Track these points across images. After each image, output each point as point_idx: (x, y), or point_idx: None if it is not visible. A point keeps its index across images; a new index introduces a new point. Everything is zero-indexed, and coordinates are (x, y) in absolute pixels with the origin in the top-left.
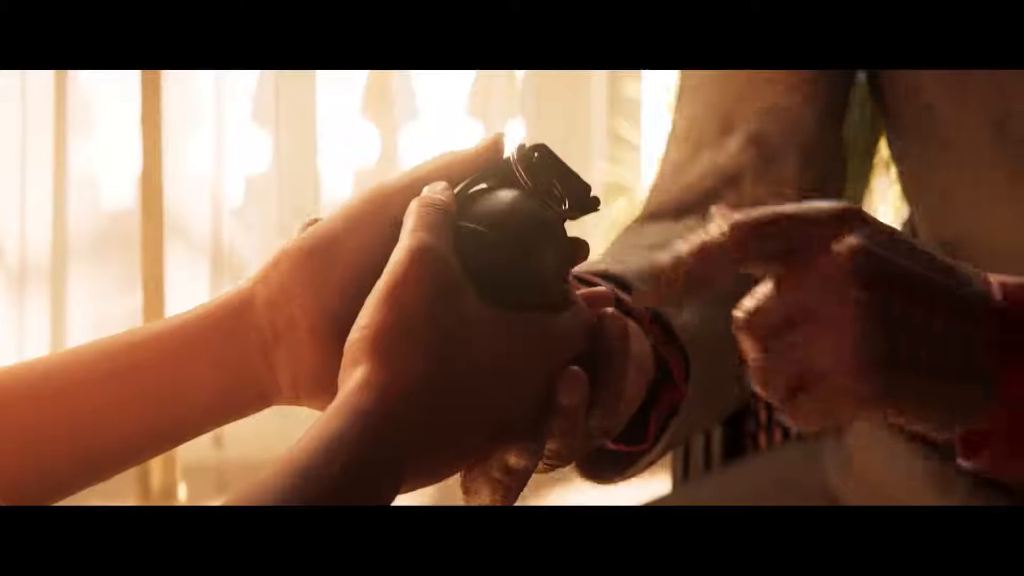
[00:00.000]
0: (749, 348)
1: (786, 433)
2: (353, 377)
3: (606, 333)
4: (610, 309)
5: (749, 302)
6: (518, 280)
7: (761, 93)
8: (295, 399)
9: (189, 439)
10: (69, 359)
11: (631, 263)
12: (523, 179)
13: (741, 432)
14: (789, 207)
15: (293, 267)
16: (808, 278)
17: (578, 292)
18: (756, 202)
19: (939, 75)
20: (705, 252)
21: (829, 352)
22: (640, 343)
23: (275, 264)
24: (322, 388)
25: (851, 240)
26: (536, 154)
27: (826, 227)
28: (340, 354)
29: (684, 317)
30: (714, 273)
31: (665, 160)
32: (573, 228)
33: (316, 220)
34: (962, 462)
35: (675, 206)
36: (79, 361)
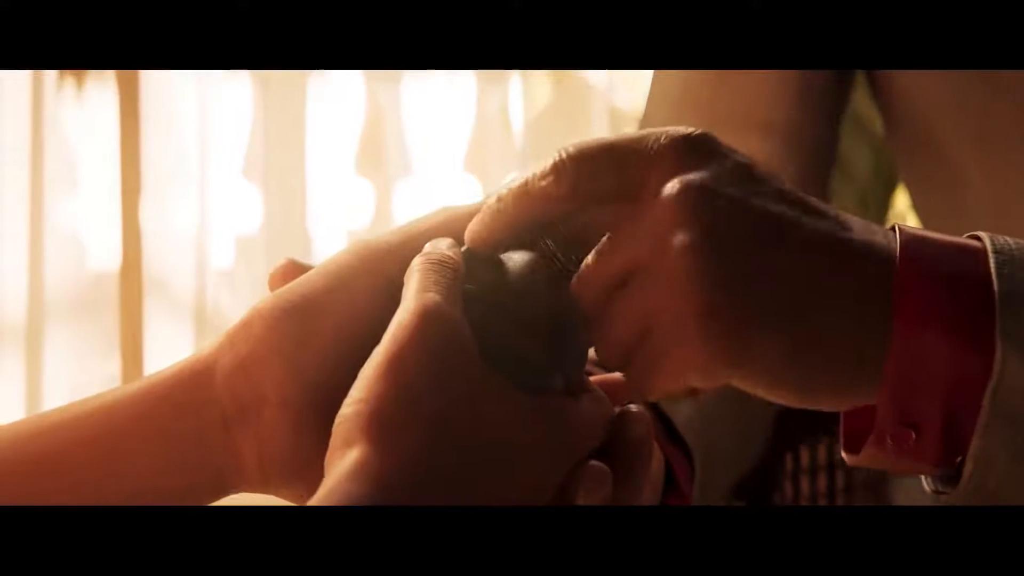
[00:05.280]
0: (588, 314)
1: None
2: (346, 460)
3: (628, 430)
4: (634, 406)
5: (582, 267)
6: (536, 357)
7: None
8: (263, 486)
9: None
10: None
11: None
12: (544, 242)
13: None
14: (625, 135)
15: (267, 329)
16: (639, 224)
17: (591, 378)
18: None
19: (963, 133)
20: (527, 190)
21: (661, 302)
22: (656, 449)
23: (246, 325)
24: (295, 473)
25: (686, 177)
26: None
27: (667, 161)
28: (316, 433)
29: (685, 412)
30: (537, 214)
31: None
32: None
33: (293, 261)
34: (846, 456)
35: None
36: None
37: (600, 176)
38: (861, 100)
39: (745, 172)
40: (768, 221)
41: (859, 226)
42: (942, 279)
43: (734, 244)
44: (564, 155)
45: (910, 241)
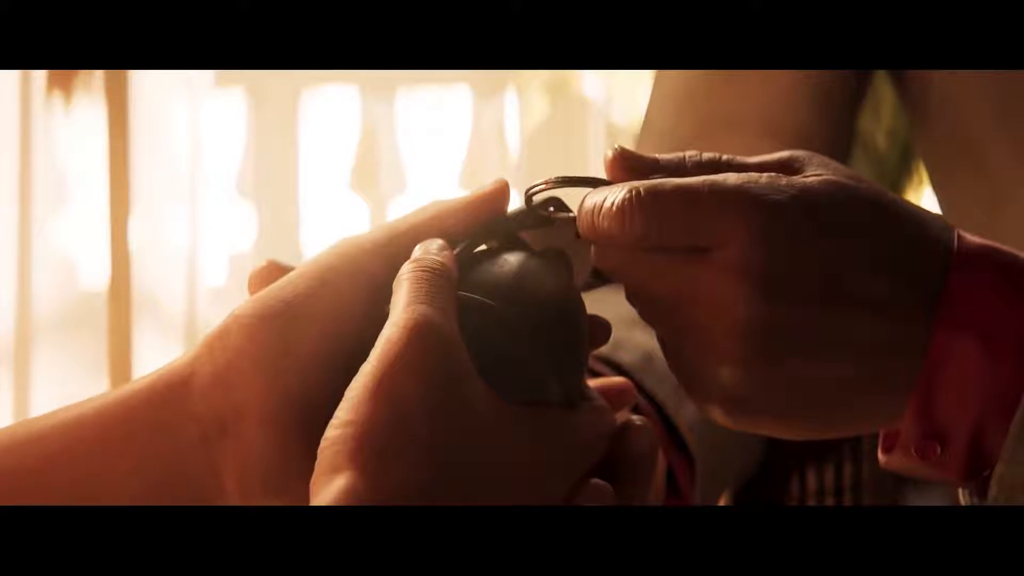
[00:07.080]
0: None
1: None
2: (332, 487)
3: (631, 444)
4: (637, 418)
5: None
6: (534, 366)
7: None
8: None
9: None
10: None
11: (629, 354)
12: None
13: None
14: (696, 181)
15: (246, 338)
16: (700, 272)
17: (591, 382)
18: None
19: (998, 131)
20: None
21: (708, 339)
22: (660, 457)
23: (224, 333)
24: (278, 493)
25: (747, 252)
26: (551, 208)
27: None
28: (300, 448)
29: (689, 414)
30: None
31: None
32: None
33: (274, 263)
34: (880, 455)
35: None
36: None
37: (673, 221)
38: (862, 115)
39: (821, 209)
40: (822, 306)
41: (908, 243)
42: (985, 306)
43: (793, 327)
44: (640, 200)
45: (965, 258)
